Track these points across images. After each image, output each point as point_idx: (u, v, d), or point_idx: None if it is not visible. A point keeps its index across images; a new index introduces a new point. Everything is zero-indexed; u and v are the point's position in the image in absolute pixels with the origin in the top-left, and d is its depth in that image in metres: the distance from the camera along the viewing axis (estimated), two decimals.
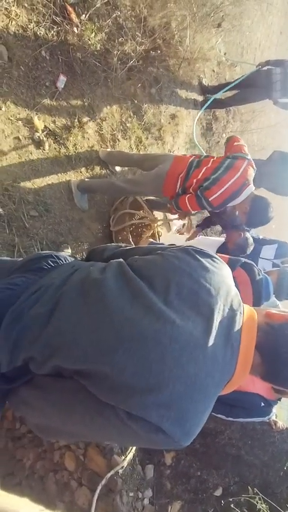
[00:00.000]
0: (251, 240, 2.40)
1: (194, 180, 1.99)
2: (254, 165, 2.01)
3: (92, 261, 0.88)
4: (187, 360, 0.59)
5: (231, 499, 1.55)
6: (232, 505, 1.50)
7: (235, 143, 2.08)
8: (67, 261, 0.85)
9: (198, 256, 0.74)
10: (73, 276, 0.75)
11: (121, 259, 0.79)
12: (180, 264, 0.71)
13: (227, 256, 1.72)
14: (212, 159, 2.04)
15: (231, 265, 1.55)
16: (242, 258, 1.67)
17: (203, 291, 0.67)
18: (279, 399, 1.69)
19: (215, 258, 0.76)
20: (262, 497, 1.41)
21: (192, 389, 0.58)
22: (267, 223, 2.13)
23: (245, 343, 0.64)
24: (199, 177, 1.98)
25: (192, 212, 2.30)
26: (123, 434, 0.61)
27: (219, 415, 1.72)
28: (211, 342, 0.61)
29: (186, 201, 2.05)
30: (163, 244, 1.12)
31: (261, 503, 1.36)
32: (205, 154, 2.29)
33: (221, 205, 1.98)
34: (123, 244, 0.94)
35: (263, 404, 1.62)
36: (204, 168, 2.00)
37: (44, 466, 1.93)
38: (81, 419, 0.63)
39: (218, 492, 1.74)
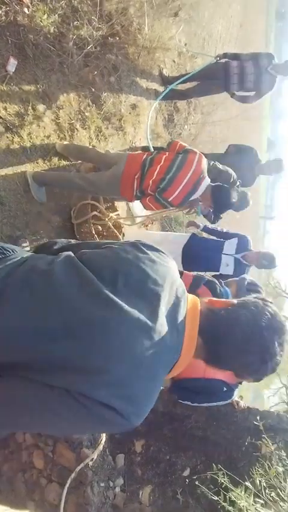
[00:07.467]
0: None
1: (150, 181, 2.01)
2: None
3: (41, 254, 0.86)
4: (134, 342, 0.62)
5: (196, 477, 1.62)
6: (197, 482, 1.57)
7: (179, 143, 2.17)
8: (15, 253, 0.82)
9: (145, 249, 0.78)
10: (20, 268, 0.74)
11: (70, 252, 0.79)
12: (127, 256, 0.74)
13: (192, 274, 1.85)
14: (164, 156, 2.07)
15: (197, 282, 1.73)
16: (205, 277, 1.81)
17: (149, 280, 0.71)
18: (240, 383, 1.81)
19: (162, 252, 0.81)
20: (225, 472, 1.50)
21: (140, 369, 0.62)
22: (232, 207, 2.32)
23: (189, 327, 0.70)
24: (154, 177, 2.00)
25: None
26: (77, 417, 0.61)
27: (185, 402, 1.81)
28: (157, 326, 0.65)
29: (149, 203, 2.09)
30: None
31: (223, 477, 1.45)
32: (153, 149, 2.35)
33: (181, 203, 2.06)
34: (72, 240, 0.97)
35: (225, 389, 1.74)
36: (158, 166, 2.01)
37: (11, 468, 1.87)
38: (29, 409, 0.62)
39: (186, 472, 1.81)
